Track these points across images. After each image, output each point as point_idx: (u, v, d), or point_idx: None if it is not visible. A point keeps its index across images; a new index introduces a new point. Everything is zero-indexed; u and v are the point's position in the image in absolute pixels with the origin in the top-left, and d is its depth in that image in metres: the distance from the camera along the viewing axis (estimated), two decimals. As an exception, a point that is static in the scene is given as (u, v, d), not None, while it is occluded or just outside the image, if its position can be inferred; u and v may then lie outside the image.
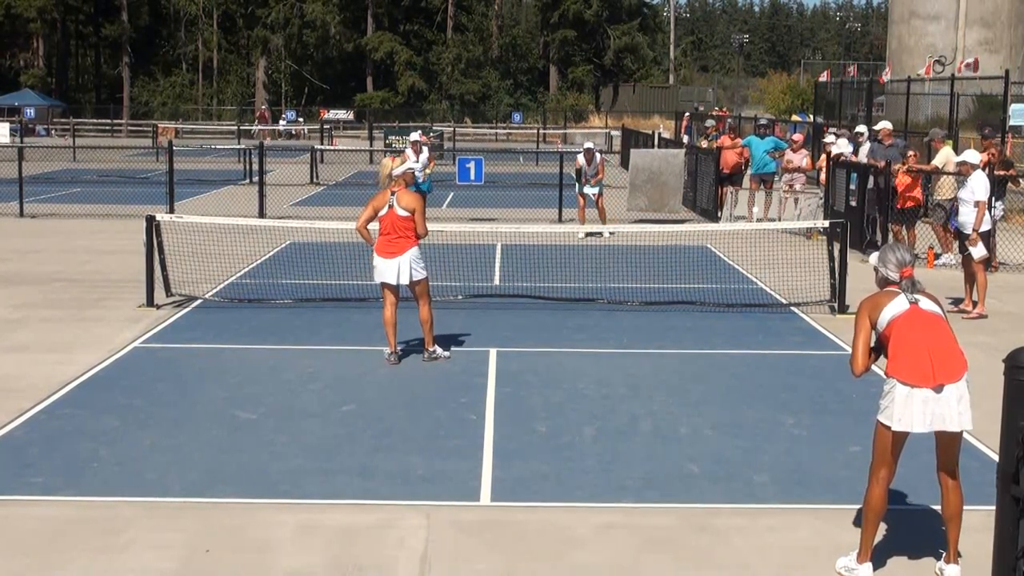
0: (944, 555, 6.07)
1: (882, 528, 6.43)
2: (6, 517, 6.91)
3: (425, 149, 20.32)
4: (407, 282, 10.59)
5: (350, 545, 6.53)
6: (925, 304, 5.94)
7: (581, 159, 21.01)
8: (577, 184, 21.09)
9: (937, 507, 6.42)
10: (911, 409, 5.75)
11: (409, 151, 20.06)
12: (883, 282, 6.08)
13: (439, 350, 11.00)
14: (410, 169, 10.80)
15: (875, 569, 6.16)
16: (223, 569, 6.23)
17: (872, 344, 6.02)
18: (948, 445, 5.92)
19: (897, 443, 5.92)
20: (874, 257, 6.19)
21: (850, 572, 6.13)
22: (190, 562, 6.30)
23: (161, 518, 6.92)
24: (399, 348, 10.95)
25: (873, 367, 6.07)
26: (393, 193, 10.53)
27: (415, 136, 21.34)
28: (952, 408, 5.74)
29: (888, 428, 5.84)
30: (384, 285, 10.65)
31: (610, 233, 19.77)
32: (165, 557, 6.34)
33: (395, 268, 10.52)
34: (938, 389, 5.73)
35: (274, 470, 7.77)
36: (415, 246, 10.57)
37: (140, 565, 6.24)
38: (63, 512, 6.98)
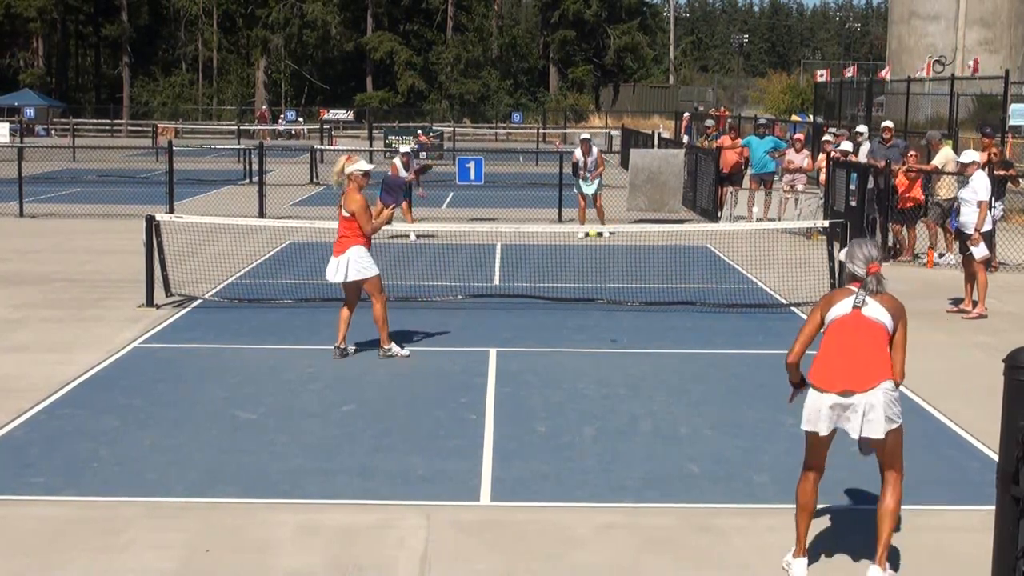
0: (876, 556, 6.00)
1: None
2: (6, 517, 6.91)
3: (415, 162, 20.30)
4: (343, 280, 10.78)
5: (350, 545, 6.53)
6: (870, 310, 5.90)
7: (578, 152, 20.80)
8: (576, 182, 20.91)
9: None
10: (819, 412, 5.83)
11: (398, 161, 20.11)
12: (850, 277, 6.06)
13: (395, 348, 11.05)
14: (357, 170, 10.80)
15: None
16: (223, 569, 6.23)
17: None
18: (878, 449, 5.93)
19: (816, 444, 5.97)
20: (843, 253, 6.18)
21: (787, 566, 6.16)
22: (190, 562, 6.30)
23: (161, 518, 6.92)
24: (351, 347, 11.13)
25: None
26: (344, 195, 10.75)
27: (404, 148, 21.36)
28: (858, 416, 5.76)
29: (804, 432, 5.98)
30: (342, 285, 10.95)
31: (610, 233, 19.75)
32: (165, 557, 6.34)
33: (335, 267, 10.78)
34: (846, 395, 5.77)
35: (274, 470, 7.77)
36: (358, 246, 10.71)
37: (140, 565, 6.24)
38: (63, 512, 6.98)
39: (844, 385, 5.77)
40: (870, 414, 5.75)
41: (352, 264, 10.70)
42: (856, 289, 5.96)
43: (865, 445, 5.93)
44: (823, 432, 5.88)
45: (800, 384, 6.18)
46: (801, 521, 6.11)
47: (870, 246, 6.06)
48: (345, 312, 11.05)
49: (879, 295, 5.96)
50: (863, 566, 6.19)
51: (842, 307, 5.95)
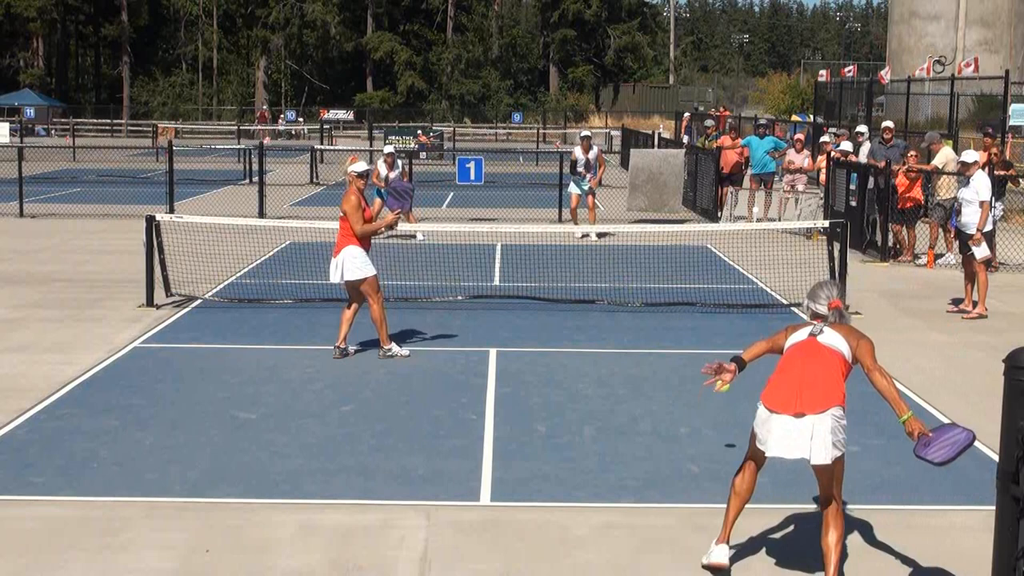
0: None
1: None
2: (6, 517, 6.91)
3: (399, 163, 20.21)
4: (339, 281, 10.83)
5: (350, 545, 6.53)
6: (826, 337, 5.98)
7: (577, 151, 20.46)
8: (572, 180, 20.62)
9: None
10: (768, 432, 5.87)
11: (381, 163, 19.85)
12: (812, 316, 6.19)
13: (395, 348, 11.06)
14: (352, 171, 10.85)
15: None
16: (223, 569, 6.23)
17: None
18: (818, 475, 5.92)
19: (760, 453, 6.03)
20: (807, 296, 6.32)
21: (708, 553, 6.16)
22: (190, 562, 6.30)
23: (161, 518, 6.92)
24: (351, 347, 11.15)
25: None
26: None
27: (388, 148, 21.29)
28: (804, 439, 5.75)
29: (753, 432, 6.05)
30: (344, 285, 10.97)
31: (598, 235, 19.66)
32: (165, 557, 6.34)
33: (333, 266, 10.83)
34: (796, 417, 5.78)
35: (274, 470, 7.77)
36: (352, 246, 10.73)
37: (140, 565, 6.24)
38: (63, 512, 6.98)
39: (795, 408, 5.79)
40: (814, 440, 5.73)
41: (347, 264, 10.72)
42: (815, 323, 6.07)
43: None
44: (771, 454, 5.90)
45: (735, 369, 6.23)
46: (732, 508, 6.14)
47: (831, 287, 6.20)
48: (348, 312, 11.05)
49: (837, 325, 6.05)
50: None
51: (799, 335, 6.07)
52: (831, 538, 5.87)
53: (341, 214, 10.77)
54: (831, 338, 5.97)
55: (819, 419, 5.73)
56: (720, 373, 6.23)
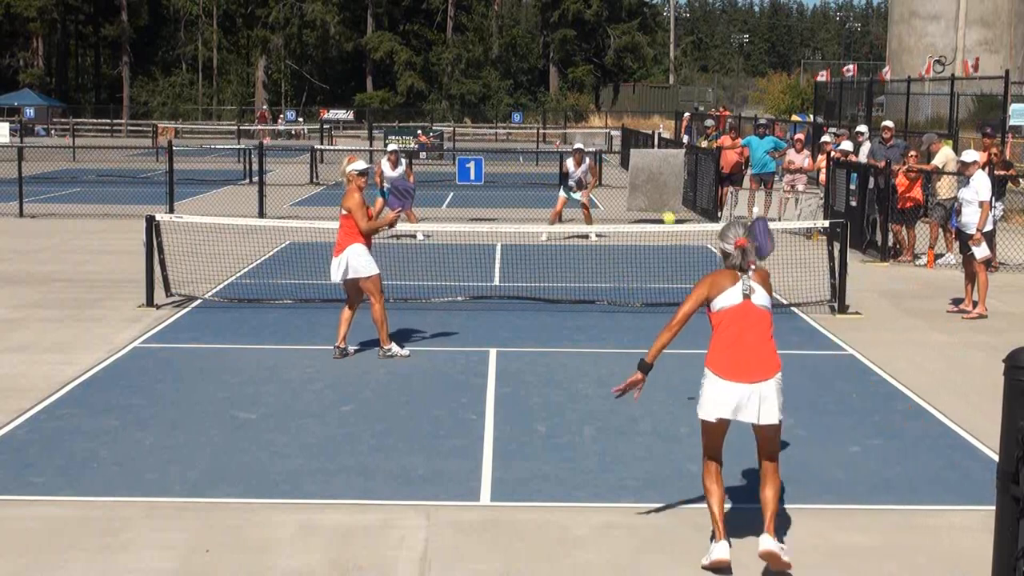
0: (764, 527, 6.21)
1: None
2: (6, 517, 6.91)
3: (403, 161, 20.17)
4: (341, 279, 10.82)
5: (350, 545, 6.53)
6: (757, 298, 6.24)
7: (570, 162, 20.33)
8: (562, 187, 20.61)
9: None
10: (719, 399, 6.12)
11: (385, 162, 19.78)
12: (724, 255, 6.40)
13: (395, 348, 11.07)
14: (353, 169, 10.84)
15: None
16: (223, 569, 6.23)
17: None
18: (763, 436, 6.24)
19: (715, 433, 6.27)
20: (719, 239, 6.49)
21: (709, 552, 6.24)
22: (190, 562, 6.30)
23: (161, 518, 6.92)
24: (351, 347, 11.15)
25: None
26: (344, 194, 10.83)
27: (392, 146, 21.27)
28: (755, 403, 6.08)
29: (703, 421, 6.26)
30: (343, 285, 10.97)
31: (597, 235, 19.56)
32: (165, 557, 6.34)
33: (336, 265, 10.79)
34: (749, 384, 6.10)
35: (274, 470, 7.77)
36: (358, 244, 10.73)
37: (140, 565, 6.24)
38: (63, 512, 6.98)
39: (749, 377, 6.09)
40: (764, 403, 6.08)
41: (351, 262, 10.71)
42: (736, 274, 6.29)
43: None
44: (724, 416, 6.14)
45: (645, 372, 6.44)
46: (713, 505, 6.29)
47: (739, 226, 6.39)
48: (346, 312, 11.05)
49: (756, 274, 6.29)
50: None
51: (731, 296, 6.24)
52: (769, 492, 6.24)
53: (344, 212, 10.76)
54: (761, 298, 6.27)
55: (767, 384, 6.10)
56: (631, 389, 6.40)
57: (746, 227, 6.36)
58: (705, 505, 7.16)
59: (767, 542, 6.08)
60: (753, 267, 6.28)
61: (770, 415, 6.09)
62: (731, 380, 6.10)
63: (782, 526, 6.88)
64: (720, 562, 6.13)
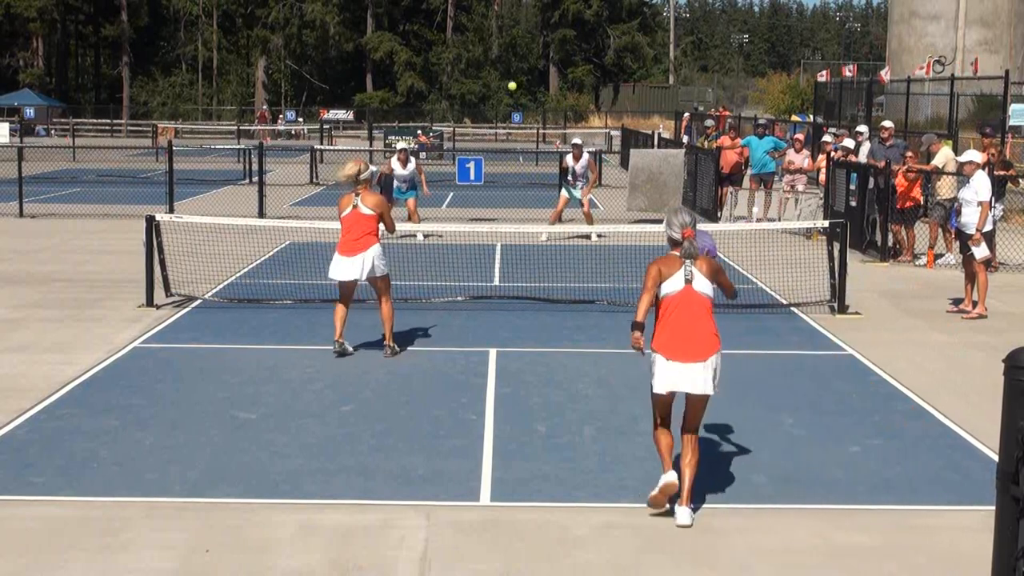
0: (679, 499, 6.93)
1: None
2: (6, 517, 6.91)
3: (412, 160, 20.18)
4: (366, 276, 10.82)
5: (350, 545, 6.53)
6: (698, 284, 6.98)
7: (568, 158, 20.34)
8: (564, 186, 20.57)
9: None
10: (667, 376, 6.95)
11: (395, 161, 19.96)
12: (670, 242, 7.13)
13: (397, 347, 11.16)
14: (365, 178, 10.87)
15: None
16: (223, 569, 6.23)
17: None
18: (694, 406, 7.09)
19: (663, 403, 7.11)
20: (664, 222, 7.24)
21: (657, 484, 7.03)
22: (190, 562, 6.30)
23: (161, 518, 6.92)
24: (349, 346, 11.15)
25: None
26: (357, 195, 10.79)
27: (402, 145, 21.29)
28: (699, 377, 6.93)
29: (654, 393, 7.07)
30: (341, 284, 10.96)
31: (598, 235, 19.53)
32: (165, 557, 6.34)
33: (354, 264, 10.75)
34: (692, 364, 6.92)
35: (274, 470, 7.77)
36: (378, 244, 10.83)
37: (140, 565, 6.24)
38: (63, 512, 6.98)
39: (692, 357, 6.90)
40: (705, 375, 6.93)
41: (376, 261, 10.76)
42: (678, 255, 7.01)
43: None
44: (672, 389, 6.98)
45: (641, 329, 7.04)
46: (664, 452, 7.13)
47: (685, 213, 7.12)
48: (341, 310, 11.06)
49: (697, 261, 7.01)
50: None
51: (674, 283, 6.98)
52: (689, 459, 7.02)
53: (368, 212, 10.71)
54: (701, 284, 7.00)
55: (707, 363, 6.93)
56: (639, 347, 7.08)
57: (692, 216, 7.12)
58: (706, 505, 7.22)
59: (685, 516, 6.86)
60: (697, 254, 7.05)
61: (706, 387, 6.96)
62: (676, 360, 6.93)
63: (782, 526, 6.89)
64: (670, 485, 6.92)
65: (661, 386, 6.98)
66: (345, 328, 11.08)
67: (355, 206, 10.77)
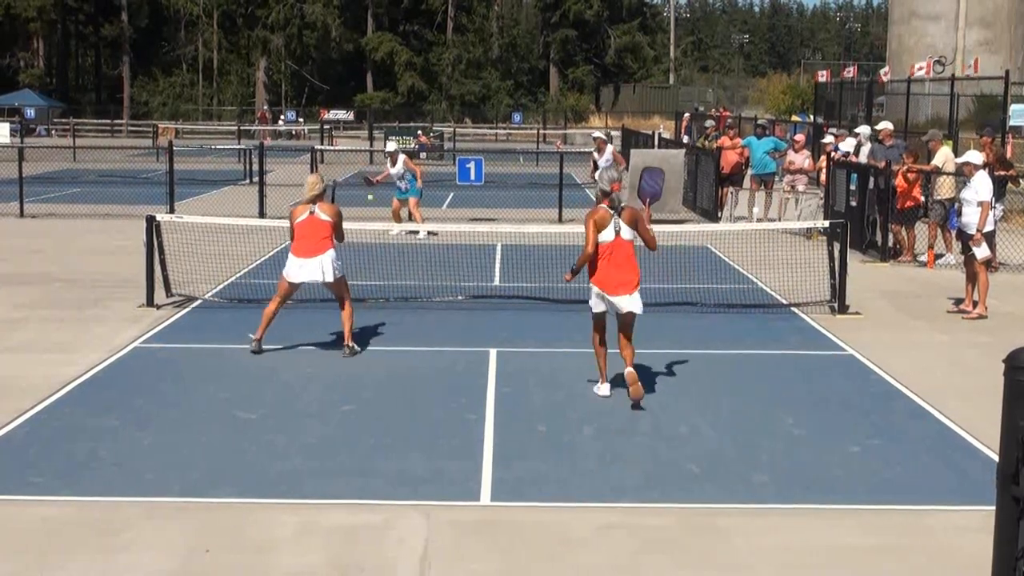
0: (627, 371, 9.28)
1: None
2: (6, 517, 6.91)
3: (401, 156, 20.17)
4: (330, 279, 11.02)
5: (350, 545, 6.53)
6: (624, 233, 9.23)
7: (596, 153, 20.32)
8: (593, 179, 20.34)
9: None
10: (604, 303, 9.34)
11: (388, 163, 20.15)
12: (600, 193, 9.31)
13: (357, 346, 11.25)
14: (315, 195, 11.17)
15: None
16: (223, 569, 6.23)
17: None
18: (625, 321, 9.38)
19: (600, 321, 9.50)
20: (598, 180, 9.47)
21: (598, 389, 9.70)
22: (190, 562, 6.30)
23: (161, 518, 6.92)
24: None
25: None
26: (314, 203, 11.12)
27: (392, 146, 21.34)
28: (625, 303, 9.26)
29: (594, 312, 9.47)
30: (291, 284, 11.15)
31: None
32: (165, 557, 6.34)
33: (318, 266, 10.97)
34: (619, 296, 9.23)
35: (274, 470, 7.77)
36: (332, 248, 11.10)
37: (140, 565, 6.24)
38: (63, 512, 6.98)
39: (623, 291, 9.23)
40: (632, 302, 9.29)
41: (334, 263, 11.01)
42: (607, 208, 9.16)
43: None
44: (607, 309, 9.37)
45: (578, 272, 9.42)
46: (601, 362, 9.68)
47: (615, 169, 9.45)
48: (274, 310, 11.20)
49: (623, 213, 9.23)
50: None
51: (607, 234, 9.16)
52: (629, 350, 9.36)
53: (325, 218, 11.02)
54: (627, 233, 9.27)
55: (635, 294, 9.27)
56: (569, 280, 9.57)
57: (620, 173, 9.31)
58: (706, 505, 7.22)
59: (631, 371, 9.23)
60: (622, 206, 9.27)
61: (635, 306, 9.30)
62: (609, 294, 9.24)
63: (783, 525, 6.90)
64: (607, 395, 9.49)
65: (598, 308, 9.37)
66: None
67: (312, 213, 11.06)
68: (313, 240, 11.01)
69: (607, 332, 9.61)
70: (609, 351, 9.74)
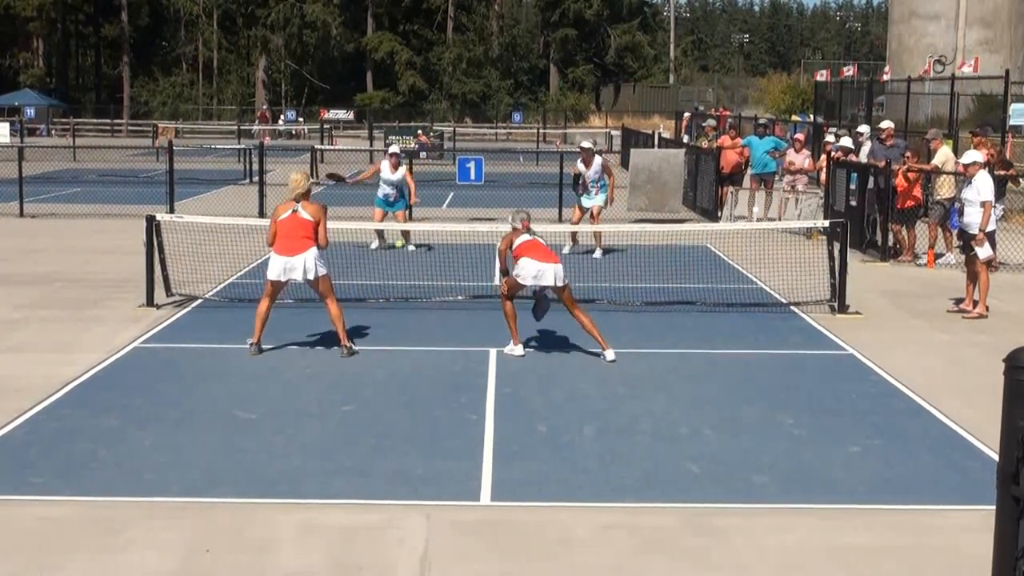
0: (601, 348, 10.80)
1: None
2: (6, 517, 6.91)
3: (403, 166, 18.65)
4: (312, 278, 11.00)
5: (350, 545, 6.53)
6: (538, 237, 10.99)
7: (580, 164, 18.17)
8: (575, 193, 18.66)
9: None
10: (540, 275, 10.75)
11: (385, 163, 18.41)
12: (513, 230, 10.97)
13: (354, 345, 11.23)
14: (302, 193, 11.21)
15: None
16: (223, 569, 6.23)
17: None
18: (564, 297, 10.87)
19: (516, 288, 10.94)
20: (512, 216, 11.16)
21: (511, 351, 10.98)
22: (190, 562, 6.30)
23: (161, 518, 6.92)
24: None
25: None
26: (298, 201, 11.11)
27: (395, 148, 19.70)
28: (556, 276, 10.72)
29: (519, 282, 10.92)
30: (275, 283, 11.11)
31: (602, 254, 17.82)
32: (165, 557, 6.34)
33: (301, 264, 10.95)
34: (552, 264, 10.79)
35: (274, 470, 7.77)
36: (314, 247, 11.06)
37: (140, 565, 6.24)
38: (63, 512, 6.98)
39: (552, 261, 10.92)
40: (557, 275, 10.79)
41: (316, 261, 10.99)
42: (522, 229, 11.04)
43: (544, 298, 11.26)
44: (530, 283, 10.91)
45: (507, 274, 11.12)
46: (512, 324, 11.00)
47: (524, 212, 11.20)
48: (266, 308, 11.17)
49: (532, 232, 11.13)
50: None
51: (524, 237, 11.02)
52: (587, 324, 10.93)
53: (308, 218, 11.00)
54: (538, 237, 11.06)
55: (559, 267, 10.77)
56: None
57: (527, 213, 11.26)
58: (706, 505, 7.23)
59: (611, 355, 10.83)
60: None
61: (560, 280, 10.70)
62: (543, 262, 10.74)
63: (783, 526, 6.90)
64: (520, 356, 10.87)
65: (525, 280, 10.83)
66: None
67: (295, 211, 11.05)
68: (294, 239, 11.01)
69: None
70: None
